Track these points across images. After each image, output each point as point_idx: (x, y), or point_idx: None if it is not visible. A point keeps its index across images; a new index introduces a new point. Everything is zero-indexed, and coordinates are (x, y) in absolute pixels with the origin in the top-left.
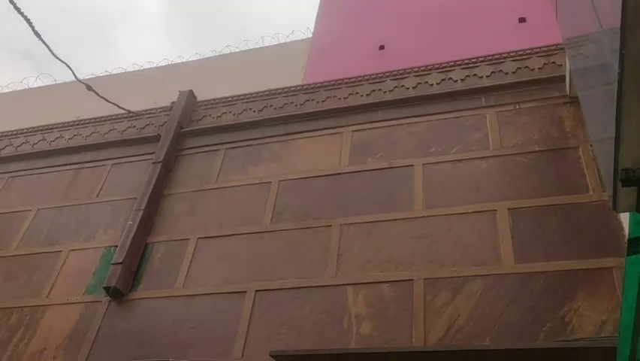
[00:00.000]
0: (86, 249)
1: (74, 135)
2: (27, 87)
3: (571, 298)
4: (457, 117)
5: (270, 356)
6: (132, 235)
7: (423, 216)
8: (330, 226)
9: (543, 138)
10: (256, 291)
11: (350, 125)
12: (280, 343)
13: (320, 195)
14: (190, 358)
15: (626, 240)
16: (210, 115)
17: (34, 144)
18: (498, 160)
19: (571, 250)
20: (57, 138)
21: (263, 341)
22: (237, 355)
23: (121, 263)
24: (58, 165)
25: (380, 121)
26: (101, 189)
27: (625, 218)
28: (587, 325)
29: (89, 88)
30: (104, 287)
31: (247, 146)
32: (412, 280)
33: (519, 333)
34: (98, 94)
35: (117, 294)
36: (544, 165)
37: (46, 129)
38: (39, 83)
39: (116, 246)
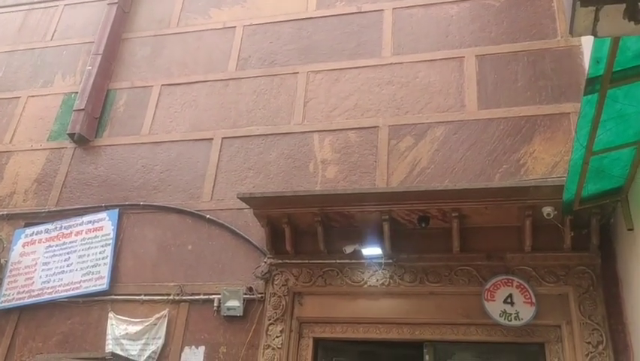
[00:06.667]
0: (45, 95)
1: None
2: None
3: (528, 142)
4: None
5: (238, 198)
6: (92, 80)
7: (390, 64)
8: (297, 73)
9: None
10: (223, 138)
11: None
12: (248, 186)
13: (286, 41)
14: (160, 201)
15: None
16: None
17: None
18: (469, 4)
19: (533, 97)
20: None
21: (231, 184)
22: (206, 198)
23: (83, 110)
24: (7, 6)
25: None
26: (55, 31)
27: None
28: (540, 166)
29: None
30: (67, 134)
31: None
32: (378, 126)
33: (477, 175)
34: None
35: (82, 140)
36: (515, 9)
37: None
38: None
39: (77, 92)
